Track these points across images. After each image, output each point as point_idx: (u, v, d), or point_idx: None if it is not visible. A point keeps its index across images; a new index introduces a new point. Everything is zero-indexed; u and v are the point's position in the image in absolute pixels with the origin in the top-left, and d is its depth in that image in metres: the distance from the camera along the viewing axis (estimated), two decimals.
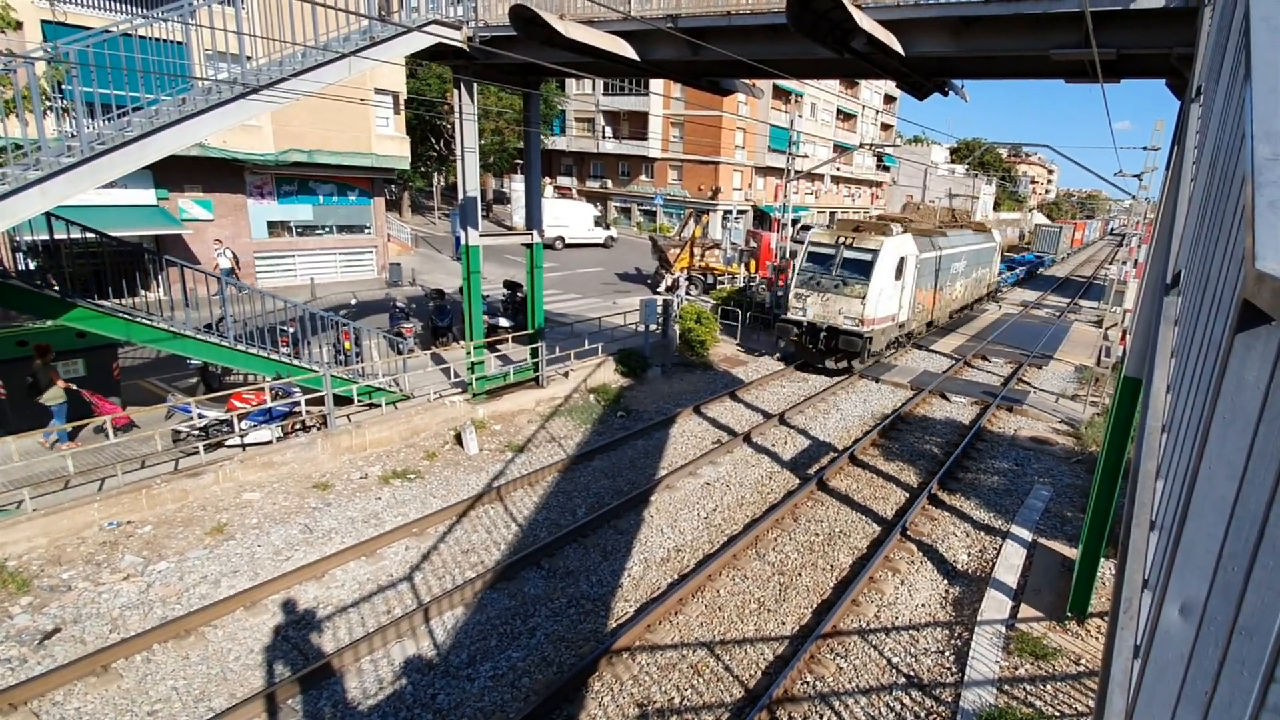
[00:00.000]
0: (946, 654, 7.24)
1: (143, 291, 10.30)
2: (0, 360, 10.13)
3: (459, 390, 13.55)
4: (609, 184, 51.88)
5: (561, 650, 7.03)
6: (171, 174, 20.02)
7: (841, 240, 17.23)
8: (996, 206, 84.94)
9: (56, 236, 9.35)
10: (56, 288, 9.17)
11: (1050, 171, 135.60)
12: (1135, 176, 21.75)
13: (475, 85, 13.45)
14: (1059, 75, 10.53)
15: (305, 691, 6.27)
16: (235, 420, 10.40)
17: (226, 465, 9.79)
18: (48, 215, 8.89)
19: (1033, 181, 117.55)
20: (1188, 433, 1.65)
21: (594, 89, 49.12)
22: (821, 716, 6.29)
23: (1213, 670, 1.10)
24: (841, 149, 54.50)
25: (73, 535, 8.40)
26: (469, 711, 6.17)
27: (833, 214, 59.44)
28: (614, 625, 7.48)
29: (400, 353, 13.45)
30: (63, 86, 7.99)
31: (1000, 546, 9.44)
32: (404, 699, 6.27)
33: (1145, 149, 19.52)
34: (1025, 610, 7.93)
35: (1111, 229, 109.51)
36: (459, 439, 12.00)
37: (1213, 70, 3.64)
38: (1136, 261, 17.31)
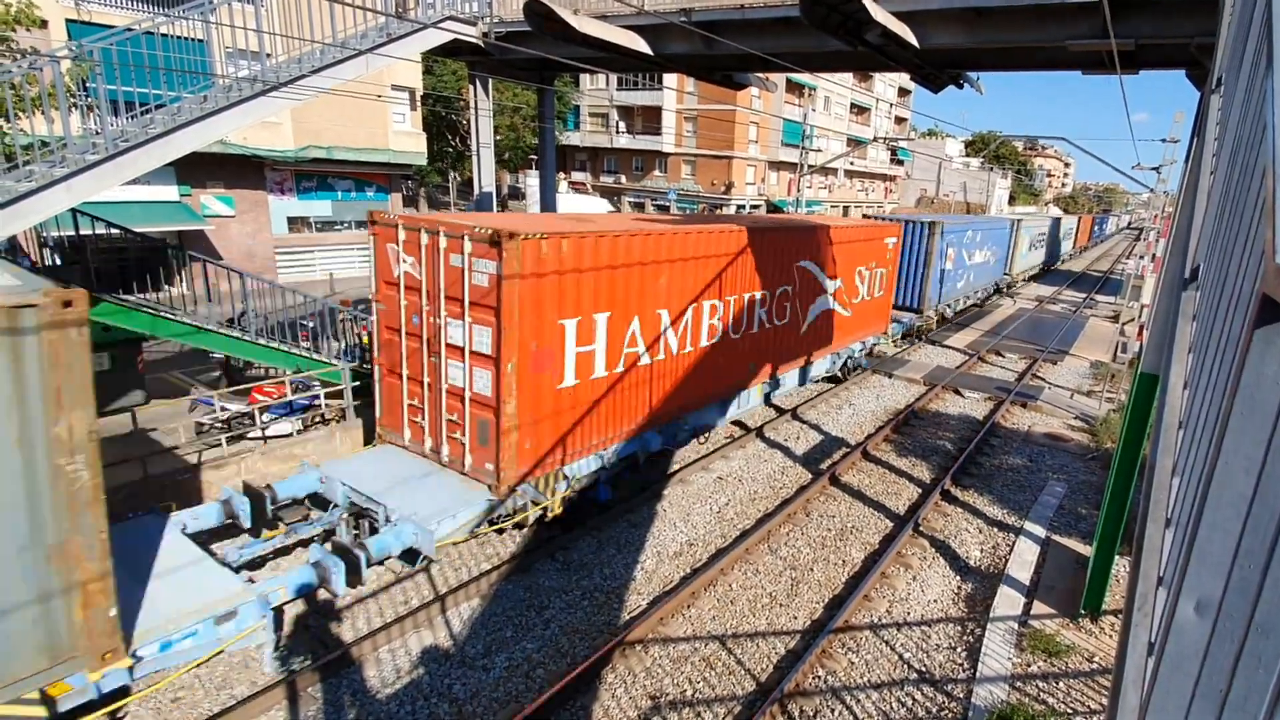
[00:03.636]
0: (959, 650, 7.22)
1: (166, 286, 10.47)
2: None
3: None
4: (623, 179, 51.83)
5: (575, 642, 7.09)
6: (194, 170, 20.25)
7: None
8: (1012, 200, 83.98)
9: (82, 232, 9.51)
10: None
11: (1067, 165, 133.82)
12: (1153, 169, 21.43)
13: (490, 81, 13.50)
14: (1076, 66, 10.42)
15: (325, 680, 6.38)
16: (257, 413, 10.54)
17: (249, 457, 9.92)
18: (73, 211, 9.04)
19: (1049, 175, 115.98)
20: (1205, 429, 1.65)
21: (608, 84, 49.04)
22: (833, 711, 6.31)
23: (1228, 667, 1.11)
24: (855, 143, 54.11)
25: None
26: (485, 701, 6.25)
27: (845, 208, 59.12)
28: (627, 617, 7.53)
29: None
30: (87, 84, 8.11)
31: (1014, 543, 9.39)
32: (421, 688, 6.36)
33: (1164, 141, 19.22)
34: (1038, 607, 7.90)
35: (1125, 224, 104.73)
36: None
37: (1234, 61, 3.59)
38: (1154, 256, 17.08)
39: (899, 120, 67.56)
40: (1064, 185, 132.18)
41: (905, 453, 12.58)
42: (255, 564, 7.90)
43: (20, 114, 7.61)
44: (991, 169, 68.41)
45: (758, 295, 11.12)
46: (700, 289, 9.59)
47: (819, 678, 6.72)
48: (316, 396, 11.15)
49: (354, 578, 6.63)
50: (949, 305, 22.32)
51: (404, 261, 8.06)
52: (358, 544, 6.75)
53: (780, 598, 8.03)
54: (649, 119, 48.79)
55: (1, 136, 7.92)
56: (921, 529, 9.70)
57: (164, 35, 8.03)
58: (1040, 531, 9.70)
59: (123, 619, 4.91)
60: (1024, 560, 8.92)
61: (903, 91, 65.40)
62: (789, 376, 13.16)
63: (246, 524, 7.49)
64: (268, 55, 8.71)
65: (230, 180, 21.63)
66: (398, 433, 8.71)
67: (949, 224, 20.04)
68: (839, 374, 15.99)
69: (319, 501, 8.33)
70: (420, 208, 41.27)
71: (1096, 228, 72.28)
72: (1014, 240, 29.23)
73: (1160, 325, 6.85)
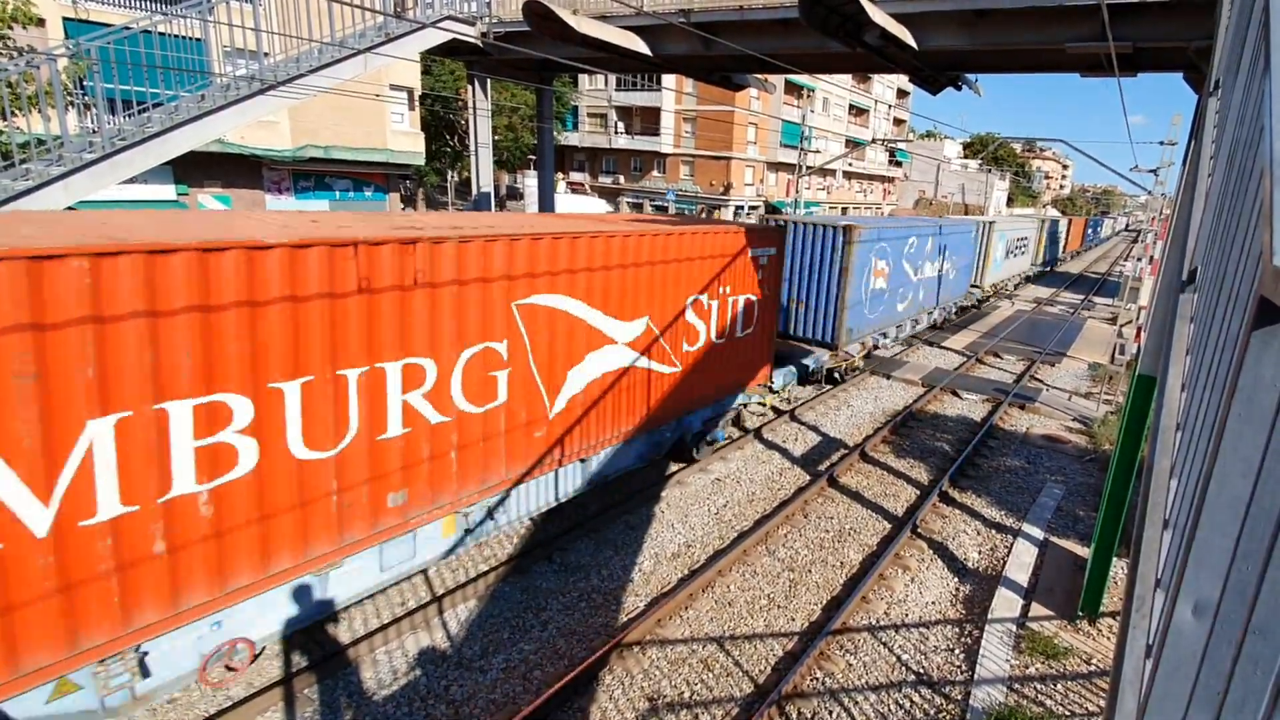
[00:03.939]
0: (956, 652, 7.22)
1: None
2: None
3: None
4: (621, 179, 51.86)
5: (573, 643, 7.08)
6: (191, 170, 20.21)
7: None
8: (1010, 202, 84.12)
9: None
10: None
11: (1065, 166, 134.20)
12: (1151, 171, 21.49)
13: (489, 81, 13.50)
14: (1074, 69, 10.45)
15: (321, 681, 6.36)
16: None
17: None
18: (71, 210, 9.03)
19: (1047, 177, 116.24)
20: (1202, 431, 1.65)
21: (607, 84, 49.07)
22: (831, 712, 6.30)
23: (1225, 670, 1.10)
24: (854, 144, 54.20)
25: None
26: (481, 703, 6.23)
27: (844, 209, 59.21)
28: (625, 619, 7.52)
29: None
30: (84, 83, 8.10)
31: (1011, 545, 9.39)
32: (418, 690, 6.34)
33: (1161, 144, 19.26)
34: (1036, 609, 7.90)
35: (1122, 226, 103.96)
36: None
37: (1231, 63, 3.59)
38: (1152, 258, 17.12)
39: (898, 122, 67.70)
40: (1062, 187, 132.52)
41: (903, 454, 12.58)
42: None
43: (17, 112, 7.60)
44: (990, 171, 68.55)
45: (426, 367, 6.30)
46: (198, 368, 4.79)
47: (817, 679, 6.71)
48: None
49: None
50: (881, 334, 16.88)
51: None
52: None
53: (778, 599, 8.02)
54: (647, 120, 48.82)
55: None
56: (920, 531, 9.71)
57: (162, 34, 8.02)
58: (1038, 533, 9.71)
59: None
60: (1022, 562, 8.93)
61: (901, 93, 65.53)
62: (539, 485, 7.99)
63: None
64: (266, 54, 8.70)
65: (227, 179, 21.59)
66: None
67: (873, 228, 15.09)
68: (691, 451, 10.82)
69: None
70: (418, 208, 41.27)
71: (1090, 231, 65.62)
72: (984, 248, 24.08)
73: (1158, 327, 6.86)
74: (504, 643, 7.03)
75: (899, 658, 7.09)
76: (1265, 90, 1.52)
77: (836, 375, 15.76)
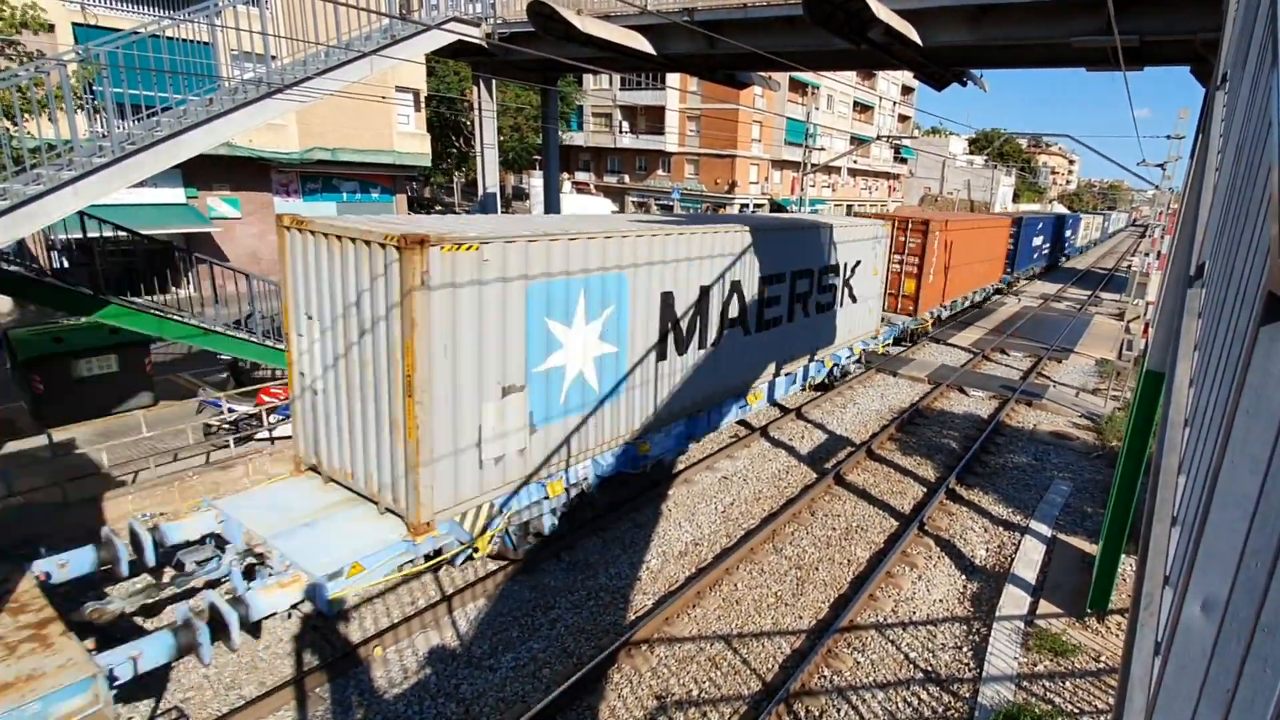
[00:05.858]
0: (964, 649, 7.21)
1: (173, 288, 10.52)
2: (38, 357, 10.42)
3: None
4: (626, 179, 51.82)
5: (581, 642, 7.10)
6: (200, 173, 20.34)
7: None
8: (1016, 198, 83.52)
9: (90, 235, 9.57)
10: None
11: (1071, 162, 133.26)
12: (1158, 166, 21.29)
13: (494, 82, 13.52)
14: (1080, 63, 10.40)
15: (333, 680, 6.41)
16: (264, 414, 10.59)
17: (256, 458, 9.98)
18: (81, 214, 9.10)
19: (1053, 172, 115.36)
20: (1210, 427, 1.65)
21: (611, 84, 49.04)
22: (839, 711, 6.30)
23: (1235, 667, 1.10)
24: (858, 141, 53.98)
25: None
26: (491, 701, 6.26)
27: (849, 207, 58.98)
28: (633, 618, 7.54)
29: None
30: (93, 87, 8.16)
31: (1019, 542, 9.36)
32: (428, 688, 6.38)
33: (1168, 138, 19.08)
34: (1044, 606, 7.87)
35: (1125, 223, 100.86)
36: None
37: (1239, 56, 3.57)
38: (1159, 253, 16.99)
39: (902, 118, 67.33)
40: (1068, 182, 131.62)
41: (910, 451, 12.55)
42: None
43: (28, 116, 7.66)
44: (995, 167, 68.15)
45: None
46: None
47: (825, 677, 6.71)
48: None
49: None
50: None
51: None
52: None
53: (786, 597, 8.02)
54: (652, 119, 48.76)
55: (10, 140, 7.97)
56: (927, 528, 9.68)
57: (170, 38, 8.07)
58: (1046, 530, 9.67)
59: None
60: (1030, 559, 8.90)
61: (906, 89, 65.21)
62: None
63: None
64: (273, 57, 8.74)
65: (236, 182, 21.71)
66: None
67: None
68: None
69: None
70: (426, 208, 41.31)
71: (1045, 241, 34.02)
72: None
73: (1166, 323, 6.82)
74: (513, 641, 7.06)
75: (907, 655, 7.08)
76: (1273, 84, 1.52)
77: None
